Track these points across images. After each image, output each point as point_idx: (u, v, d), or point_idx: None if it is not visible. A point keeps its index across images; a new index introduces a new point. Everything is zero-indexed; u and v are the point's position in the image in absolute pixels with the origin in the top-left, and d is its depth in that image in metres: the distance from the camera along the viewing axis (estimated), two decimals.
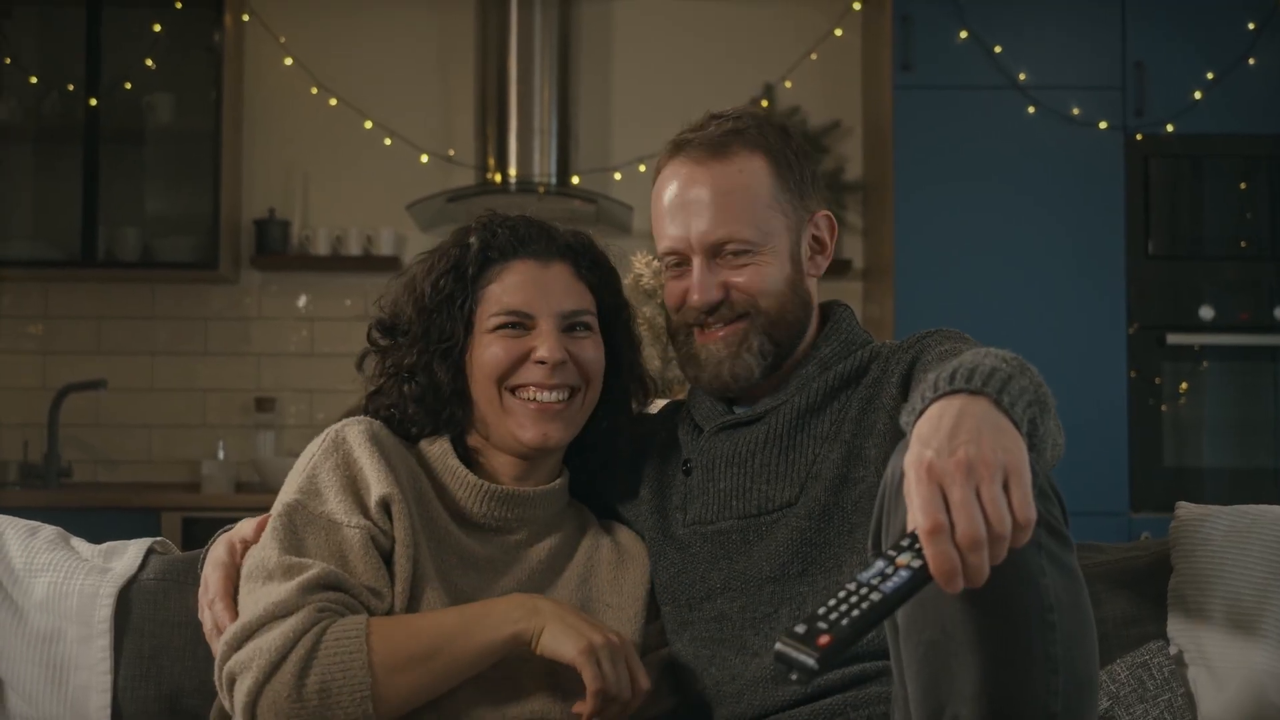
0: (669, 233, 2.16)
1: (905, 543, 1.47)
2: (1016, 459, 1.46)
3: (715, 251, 2.13)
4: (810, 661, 1.37)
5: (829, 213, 2.25)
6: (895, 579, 1.44)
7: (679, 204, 2.15)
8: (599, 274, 2.21)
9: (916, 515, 1.42)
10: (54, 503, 5.16)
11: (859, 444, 2.08)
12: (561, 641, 1.89)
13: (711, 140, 2.15)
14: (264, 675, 1.81)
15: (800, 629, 1.40)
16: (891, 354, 2.14)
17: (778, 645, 1.39)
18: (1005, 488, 1.44)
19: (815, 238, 2.22)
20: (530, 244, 2.15)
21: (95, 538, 2.40)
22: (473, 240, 2.14)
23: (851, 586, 1.44)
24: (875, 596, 1.42)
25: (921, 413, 1.56)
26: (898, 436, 2.02)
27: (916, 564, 1.44)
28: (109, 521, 4.65)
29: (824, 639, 1.38)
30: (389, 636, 1.87)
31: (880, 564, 1.46)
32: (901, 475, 1.63)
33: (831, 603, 1.42)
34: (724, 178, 2.13)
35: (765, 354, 2.15)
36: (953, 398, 1.55)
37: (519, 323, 2.10)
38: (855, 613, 1.40)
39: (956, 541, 1.40)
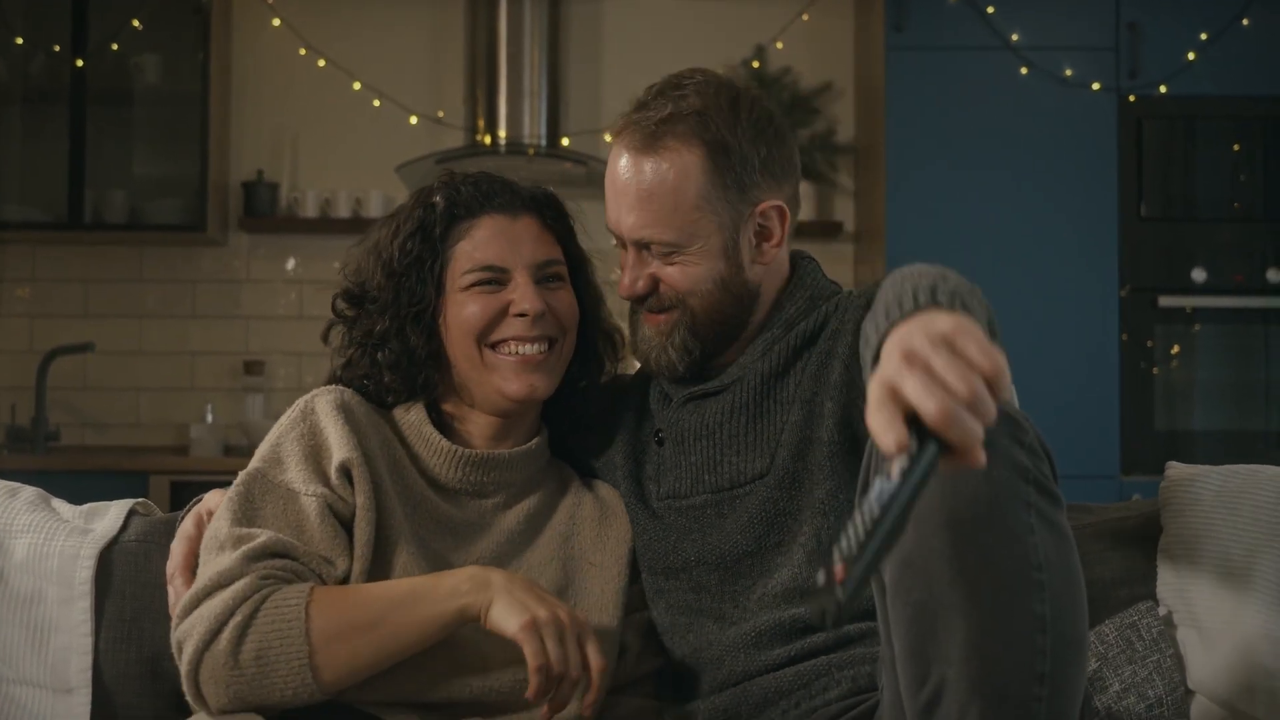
0: (609, 215, 2.13)
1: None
2: (950, 323, 1.38)
3: (642, 246, 2.10)
4: (836, 593, 1.27)
5: (780, 204, 2.12)
6: (902, 479, 1.33)
7: (613, 191, 2.11)
8: (564, 225, 2.20)
9: (919, 401, 1.32)
10: (41, 466, 5.14)
11: (819, 401, 2.04)
12: (506, 617, 1.82)
13: (647, 128, 2.07)
14: (203, 642, 1.80)
15: (820, 578, 1.31)
16: (850, 302, 2.09)
17: (805, 609, 1.35)
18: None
19: (762, 227, 2.12)
20: (495, 198, 2.12)
21: (82, 501, 2.38)
22: (437, 199, 2.12)
23: (856, 516, 1.34)
24: (876, 511, 1.32)
25: (879, 347, 1.50)
26: (852, 386, 2.00)
27: (919, 451, 1.34)
28: (96, 485, 4.60)
29: (839, 569, 1.29)
30: (331, 605, 1.83)
31: (878, 483, 1.36)
32: None
33: (840, 537, 1.33)
34: (651, 176, 2.06)
35: (690, 349, 2.11)
36: (892, 332, 1.47)
37: (494, 278, 2.08)
38: (863, 533, 1.31)
39: (931, 424, 1.31)
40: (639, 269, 2.10)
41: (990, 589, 1.53)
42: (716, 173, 2.06)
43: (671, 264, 2.08)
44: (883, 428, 1.34)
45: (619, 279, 2.14)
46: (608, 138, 5.84)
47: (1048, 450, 1.62)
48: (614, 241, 2.17)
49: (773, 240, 2.13)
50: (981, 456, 1.32)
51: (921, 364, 1.34)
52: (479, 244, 2.09)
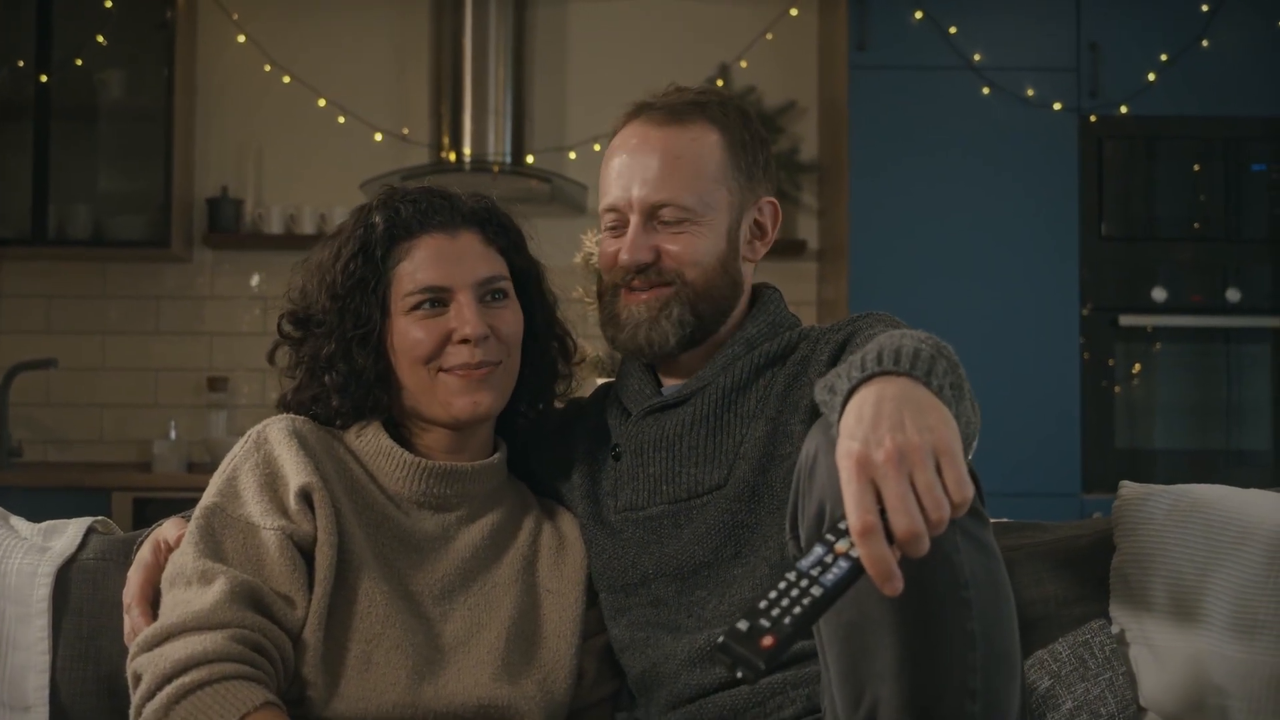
0: (612, 192, 2.16)
1: (843, 526, 1.43)
2: (944, 436, 1.45)
3: (652, 214, 2.12)
4: (758, 663, 1.34)
5: (775, 201, 2.24)
6: (835, 570, 1.40)
7: (626, 164, 2.14)
8: (508, 237, 2.19)
9: (849, 513, 1.40)
10: (3, 482, 5.12)
11: (785, 420, 2.06)
12: None
13: (672, 107, 2.16)
14: (155, 685, 1.79)
15: (743, 625, 1.37)
16: (821, 335, 2.13)
17: (722, 640, 1.37)
18: (938, 468, 1.43)
19: (757, 222, 2.22)
20: (435, 216, 2.12)
21: (45, 518, 2.37)
22: (377, 219, 2.11)
23: (791, 577, 1.40)
24: (816, 591, 1.39)
25: (845, 403, 1.55)
26: (819, 413, 2.03)
27: (855, 554, 1.40)
28: (59, 501, 4.61)
29: (767, 640, 1.35)
30: None
31: (819, 550, 1.42)
32: (815, 457, 1.63)
33: (773, 595, 1.39)
34: (676, 143, 2.13)
35: (685, 324, 2.13)
36: (872, 382, 1.55)
37: (436, 299, 2.08)
38: (797, 609, 1.37)
39: (897, 537, 1.39)
40: (643, 238, 2.13)
41: (919, 609, 1.56)
42: (732, 156, 2.17)
43: (679, 234, 2.13)
44: (859, 506, 1.40)
45: (613, 251, 2.16)
46: (572, 155, 5.86)
47: (972, 469, 1.64)
48: (602, 223, 2.19)
49: (765, 238, 2.23)
50: (895, 587, 1.39)
51: (908, 471, 1.41)
52: (419, 264, 2.08)
